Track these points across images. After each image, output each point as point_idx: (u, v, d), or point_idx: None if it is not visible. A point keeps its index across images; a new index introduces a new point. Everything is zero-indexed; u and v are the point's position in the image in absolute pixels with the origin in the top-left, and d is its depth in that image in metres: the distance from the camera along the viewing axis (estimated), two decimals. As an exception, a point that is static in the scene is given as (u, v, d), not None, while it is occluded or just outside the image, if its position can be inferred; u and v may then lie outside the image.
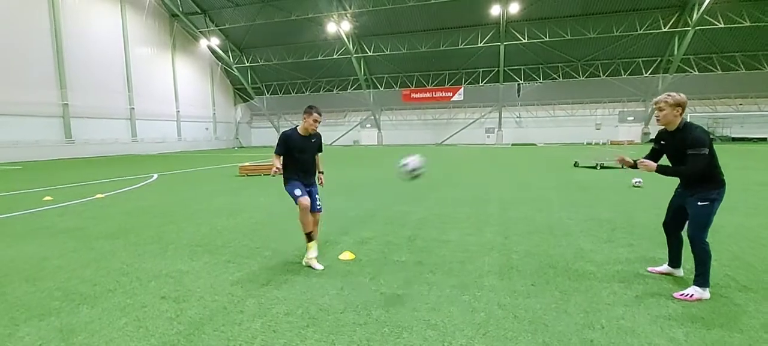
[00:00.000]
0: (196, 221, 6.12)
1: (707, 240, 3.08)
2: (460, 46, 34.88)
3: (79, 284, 3.49)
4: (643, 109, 37.97)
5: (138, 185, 10.84)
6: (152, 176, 13.04)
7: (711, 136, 3.06)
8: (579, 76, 37.17)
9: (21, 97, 24.27)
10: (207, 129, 42.46)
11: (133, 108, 32.45)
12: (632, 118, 38.56)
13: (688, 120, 3.17)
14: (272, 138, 47.27)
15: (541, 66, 37.80)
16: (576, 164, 14.28)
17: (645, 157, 3.34)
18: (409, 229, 5.37)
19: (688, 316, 2.81)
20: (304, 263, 3.96)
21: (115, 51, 31.17)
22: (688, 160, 3.03)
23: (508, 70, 38.12)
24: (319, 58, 38.04)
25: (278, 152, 3.99)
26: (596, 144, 35.38)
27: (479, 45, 34.43)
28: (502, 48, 35.04)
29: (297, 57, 38.77)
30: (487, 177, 11.53)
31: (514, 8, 30.79)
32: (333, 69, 40.86)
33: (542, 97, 39.74)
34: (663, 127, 3.26)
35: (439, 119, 43.60)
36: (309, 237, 3.95)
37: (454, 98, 39.77)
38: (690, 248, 3.14)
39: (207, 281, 3.56)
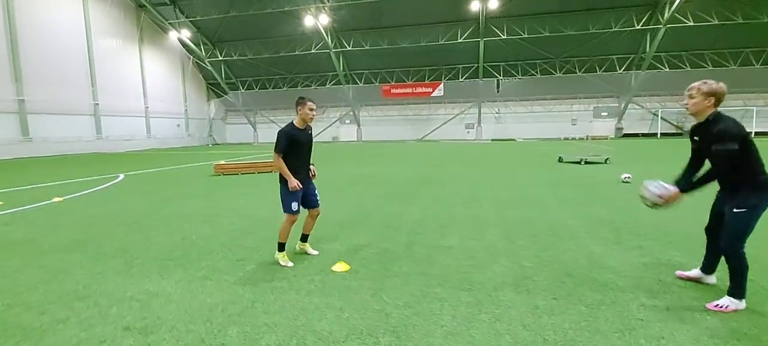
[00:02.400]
0: (167, 228, 5.51)
1: (743, 251, 2.77)
2: (440, 42, 34.68)
3: (22, 314, 2.89)
4: (617, 104, 38.94)
5: (102, 186, 9.98)
6: (118, 177, 12.11)
7: (745, 131, 2.69)
8: (556, 72, 37.71)
9: (-30, 91, 22.36)
10: (178, 126, 40.70)
11: (97, 103, 30.57)
12: (606, 113, 39.45)
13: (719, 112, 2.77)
14: (248, 134, 45.91)
15: (519, 62, 38.10)
16: (560, 160, 14.26)
17: (690, 160, 2.99)
18: (405, 233, 4.96)
19: (730, 331, 2.52)
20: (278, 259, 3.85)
21: (77, 43, 29.21)
22: (713, 157, 2.72)
23: (488, 66, 38.26)
24: (296, 52, 37.02)
25: (281, 150, 3.71)
26: (580, 139, 36.07)
27: (459, 41, 34.32)
28: (481, 44, 35.07)
29: (273, 52, 37.59)
30: (475, 174, 11.27)
31: (494, 4, 30.78)
32: (311, 64, 39.88)
33: (521, 92, 40.13)
34: (695, 119, 2.92)
35: (419, 115, 43.39)
36: (283, 247, 3.88)
37: (433, 94, 39.59)
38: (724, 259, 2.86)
39: (180, 304, 3.03)
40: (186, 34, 36.57)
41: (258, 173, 12.04)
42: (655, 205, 3.00)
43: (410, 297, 3.08)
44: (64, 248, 4.60)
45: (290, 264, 3.84)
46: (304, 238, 4.20)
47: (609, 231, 4.92)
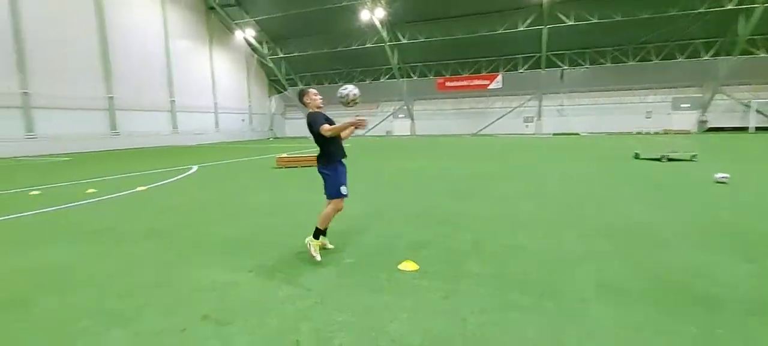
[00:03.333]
0: (237, 220, 5.73)
1: None
2: (499, 32, 33.25)
3: (110, 299, 3.09)
4: (700, 95, 34.88)
5: (178, 177, 10.76)
6: (191, 169, 13.02)
7: None
8: (629, 60, 34.57)
9: (70, 91, 25.38)
10: (243, 120, 43.16)
11: (173, 100, 33.36)
12: (687, 105, 35.54)
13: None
14: (305, 128, 47.50)
15: (587, 50, 35.43)
16: (637, 156, 12.99)
17: None
18: (470, 231, 4.70)
19: None
20: (310, 245, 3.83)
21: (157, 45, 32.03)
22: None
23: (551, 55, 36.05)
24: (353, 47, 37.51)
25: (325, 121, 3.74)
26: (656, 134, 32.90)
27: (520, 29, 32.66)
28: (545, 32, 33.07)
29: (331, 47, 38.43)
30: (540, 169, 10.59)
31: (559, -12, 28.85)
32: (366, 58, 40.25)
33: (587, 83, 37.37)
34: None
35: (475, 108, 42.11)
36: (320, 234, 3.86)
37: (491, 86, 38.16)
38: None
39: (253, 295, 3.07)
40: (250, 33, 38.59)
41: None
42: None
43: (487, 302, 2.85)
44: (144, 236, 4.93)
45: (319, 258, 3.77)
46: (318, 233, 3.93)
47: (711, 238, 4.29)
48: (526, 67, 37.44)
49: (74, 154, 22.39)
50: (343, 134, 3.77)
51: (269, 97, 48.02)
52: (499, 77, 37.77)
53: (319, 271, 3.58)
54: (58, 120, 24.89)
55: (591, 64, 35.95)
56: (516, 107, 40.40)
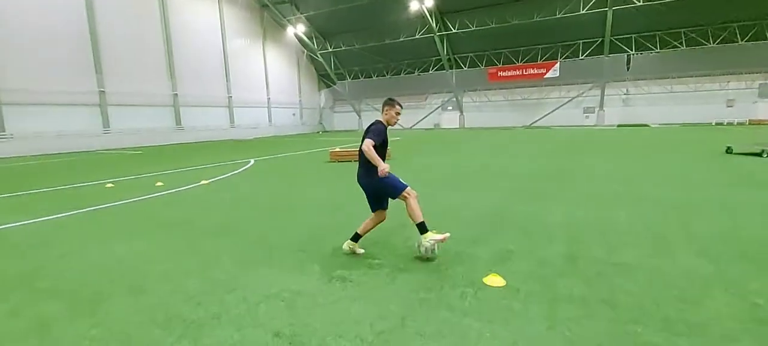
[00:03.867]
0: (298, 217, 5.57)
1: None
2: (557, 16, 31.12)
3: (183, 303, 2.95)
4: (797, 80, 30.52)
5: (238, 171, 11.00)
6: (249, 162, 13.33)
7: None
8: (709, 42, 30.96)
9: (140, 88, 27.31)
10: (294, 114, 44.33)
11: (230, 96, 34.93)
12: (780, 91, 31.26)
13: None
14: (353, 121, 47.86)
15: (658, 33, 32.24)
16: (729, 150, 11.42)
17: None
18: (558, 241, 4.13)
19: None
20: (421, 244, 3.58)
21: (215, 44, 33.61)
22: None
23: (616, 39, 33.24)
24: (400, 39, 36.99)
25: (379, 141, 3.54)
26: (739, 124, 29.40)
27: (581, 12, 30.34)
28: (609, 14, 30.49)
29: (378, 40, 38.18)
30: (615, 166, 9.58)
31: (628, -34, 26.36)
32: (414, 50, 39.56)
33: (657, 69, 34.04)
34: None
35: (528, 99, 40.01)
36: (425, 227, 3.57)
37: (547, 75, 35.99)
38: None
39: (325, 310, 2.79)
40: (301, 28, 39.35)
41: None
42: None
43: (604, 337, 2.35)
44: (214, 232, 4.89)
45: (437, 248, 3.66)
46: (356, 237, 3.86)
47: None
48: (586, 53, 34.89)
49: (143, 148, 24.07)
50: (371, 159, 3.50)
51: (319, 91, 48.88)
52: (557, 65, 35.52)
53: (392, 281, 3.24)
54: (130, 116, 26.89)
55: (662, 48, 32.69)
56: (575, 97, 37.85)
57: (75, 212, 6.28)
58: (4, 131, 20.91)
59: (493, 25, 33.21)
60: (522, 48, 37.00)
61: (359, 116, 47.89)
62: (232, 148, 21.57)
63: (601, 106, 36.72)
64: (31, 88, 21.78)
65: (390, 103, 3.70)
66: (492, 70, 38.12)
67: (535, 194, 6.54)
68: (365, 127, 3.64)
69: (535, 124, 38.99)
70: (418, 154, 14.46)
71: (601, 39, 33.46)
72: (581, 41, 34.60)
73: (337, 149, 13.03)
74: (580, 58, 35.11)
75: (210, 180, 9.20)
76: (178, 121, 30.22)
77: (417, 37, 36.23)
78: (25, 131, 21.69)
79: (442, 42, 36.92)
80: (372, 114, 45.85)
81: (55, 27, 22.79)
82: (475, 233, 4.49)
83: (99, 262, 3.92)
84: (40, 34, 22.08)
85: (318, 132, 44.78)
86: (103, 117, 25.43)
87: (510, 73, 37.51)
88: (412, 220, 3.59)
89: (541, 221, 4.88)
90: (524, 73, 36.94)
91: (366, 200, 3.85)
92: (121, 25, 26.14)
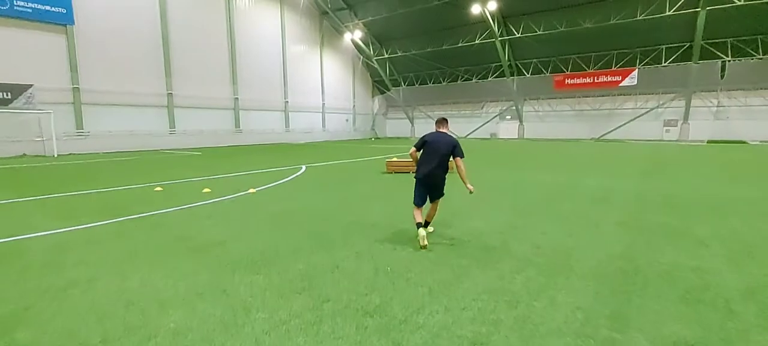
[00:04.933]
0: (358, 246, 4.50)
1: None
2: (638, 18, 27.97)
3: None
4: None
5: (288, 178, 10.33)
6: (301, 168, 12.70)
7: None
8: (831, 46, 26.15)
9: (204, 92, 28.39)
10: (347, 120, 44.29)
11: (287, 101, 35.49)
12: None
13: None
14: (405, 129, 46.87)
15: (759, 37, 27.85)
16: None
17: None
18: (752, 326, 2.67)
19: None
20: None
21: (275, 50, 34.35)
22: None
23: (707, 44, 29.21)
24: (459, 44, 35.48)
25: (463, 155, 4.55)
26: None
27: (667, 14, 26.98)
28: (702, 15, 26.82)
29: (436, 46, 36.97)
30: (745, 193, 7.54)
31: (729, -41, 22.89)
32: (473, 56, 37.81)
33: (758, 78, 29.43)
34: None
35: (599, 110, 36.53)
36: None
37: (623, 83, 32.54)
38: None
39: None
40: (358, 35, 39.24)
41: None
42: None
43: None
44: (248, 262, 3.98)
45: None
46: (425, 224, 4.67)
47: None
48: (670, 60, 31.07)
49: (204, 149, 24.77)
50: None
51: (372, 97, 48.57)
52: (635, 72, 32.03)
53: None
54: (193, 118, 27.99)
55: (765, 54, 28.16)
56: (654, 108, 33.93)
57: (112, 220, 5.76)
58: (82, 129, 22.42)
59: (563, 29, 30.66)
60: (594, 53, 33.88)
61: (412, 123, 46.84)
62: (285, 152, 21.41)
63: (686, 118, 32.51)
64: (108, 90, 23.23)
65: (445, 122, 4.87)
66: (558, 77, 35.31)
67: (665, 232, 4.97)
68: (438, 138, 4.61)
69: (604, 137, 35.50)
70: (492, 165, 12.99)
71: (689, 43, 29.60)
72: (664, 46, 30.88)
73: (395, 160, 11.94)
74: (663, 64, 31.33)
75: (258, 189, 8.53)
76: (237, 124, 31.07)
77: (477, 42, 34.52)
78: (100, 130, 23.13)
79: (503, 47, 34.86)
80: (425, 122, 44.64)
81: (132, 33, 24.22)
82: (611, 305, 3.10)
83: (102, 302, 3.12)
84: (117, 39, 23.55)
85: (370, 138, 44.34)
86: (169, 118, 26.65)
87: (580, 81, 34.47)
88: (430, 217, 4.80)
89: (710, 284, 3.38)
90: (596, 80, 33.75)
91: (419, 192, 4.67)
92: (190, 31, 27.34)
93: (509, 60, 36.43)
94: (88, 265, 3.93)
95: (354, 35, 39.55)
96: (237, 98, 30.84)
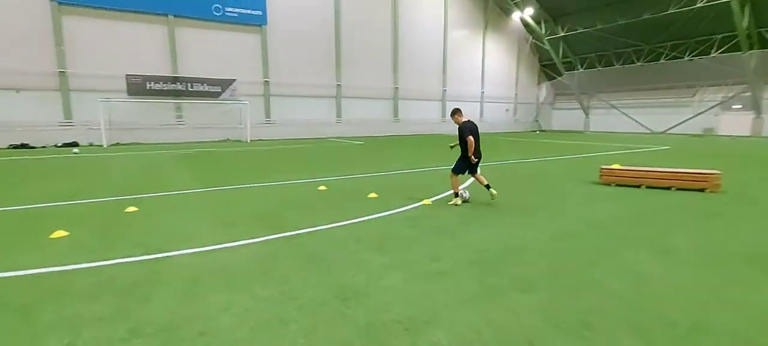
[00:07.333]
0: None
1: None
2: None
3: None
4: None
5: (464, 185, 8.29)
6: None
7: None
8: None
9: (368, 82, 29.04)
10: (507, 110, 40.16)
11: (445, 90, 33.87)
12: None
13: None
14: (577, 121, 39.82)
15: None
16: None
17: None
18: None
19: None
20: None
21: (436, 38, 32.95)
22: None
23: None
24: (669, 11, 27.41)
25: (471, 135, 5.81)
26: None
27: None
28: None
29: (631, 16, 29.53)
30: None
31: None
32: (687, 27, 28.84)
33: None
34: None
35: None
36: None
37: None
38: None
39: None
40: (528, 12, 34.68)
41: (677, 189, 7.37)
42: None
43: None
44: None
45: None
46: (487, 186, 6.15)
47: None
48: None
49: (364, 137, 25.19)
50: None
51: (538, 84, 42.88)
52: None
53: None
54: (357, 107, 28.98)
55: None
56: None
57: (250, 241, 4.49)
58: (269, 118, 25.35)
59: None
60: None
61: (587, 115, 39.42)
62: (445, 145, 19.63)
63: None
64: (289, 82, 25.67)
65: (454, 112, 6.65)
66: (843, 47, 23.81)
67: None
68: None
69: None
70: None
71: None
72: None
73: (616, 168, 8.52)
74: None
75: (432, 199, 6.75)
76: (395, 114, 31.04)
77: (698, 5, 25.99)
78: (283, 118, 25.79)
79: (741, 10, 25.32)
80: (605, 112, 37.15)
81: (310, 29, 26.19)
82: None
83: None
84: (298, 35, 25.73)
85: (534, 131, 39.25)
86: (337, 108, 28.16)
87: None
88: (482, 182, 6.42)
89: None
90: None
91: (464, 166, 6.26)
92: (359, 23, 28.23)
93: (748, 28, 26.36)
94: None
95: (524, 13, 35.05)
96: (397, 87, 30.73)
